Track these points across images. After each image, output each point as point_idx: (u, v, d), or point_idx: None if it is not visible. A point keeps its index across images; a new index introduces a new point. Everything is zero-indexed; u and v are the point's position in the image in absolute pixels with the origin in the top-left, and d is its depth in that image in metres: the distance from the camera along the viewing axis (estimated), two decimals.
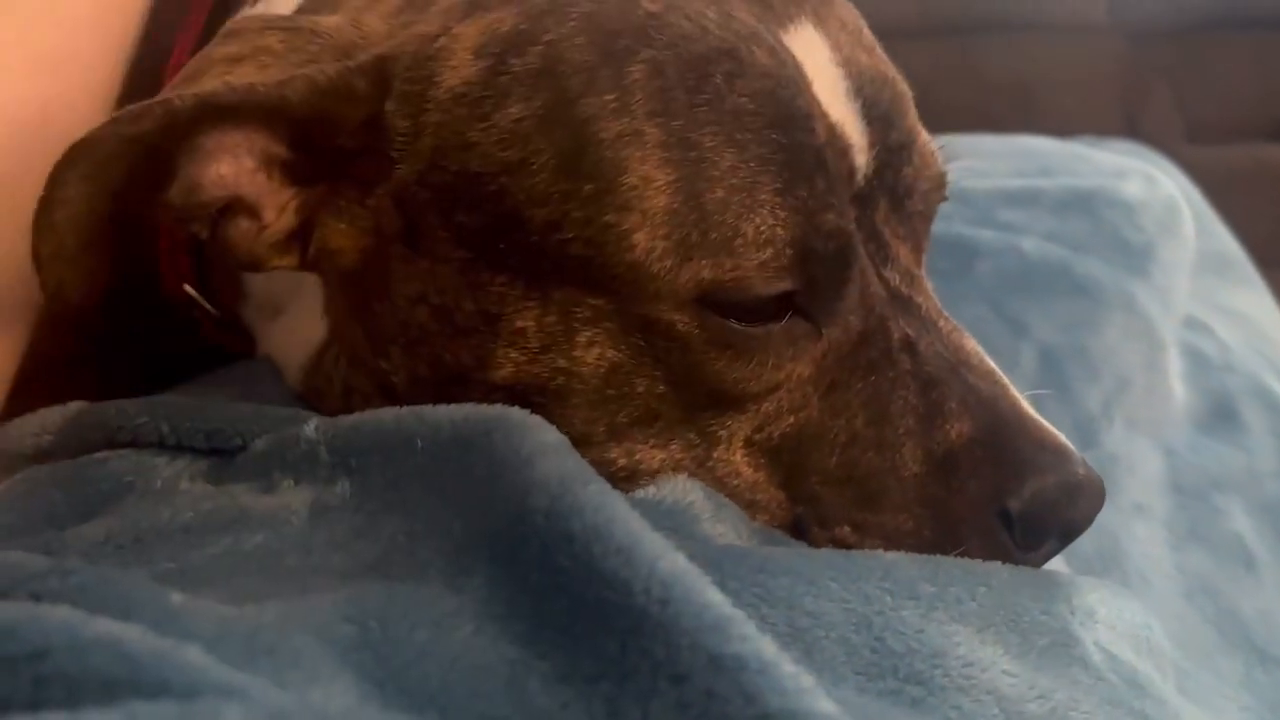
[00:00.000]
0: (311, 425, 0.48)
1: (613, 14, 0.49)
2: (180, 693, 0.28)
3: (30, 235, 0.52)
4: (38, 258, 0.48)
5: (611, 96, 0.48)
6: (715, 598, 0.35)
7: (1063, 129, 1.27)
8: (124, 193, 0.48)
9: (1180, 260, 0.88)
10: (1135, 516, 0.72)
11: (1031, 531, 0.49)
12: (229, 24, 0.53)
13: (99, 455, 0.52)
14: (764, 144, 0.48)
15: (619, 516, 0.38)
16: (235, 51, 0.49)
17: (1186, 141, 2.18)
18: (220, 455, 0.51)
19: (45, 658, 0.28)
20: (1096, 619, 0.47)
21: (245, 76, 0.48)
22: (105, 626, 0.29)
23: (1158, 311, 0.82)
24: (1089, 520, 0.50)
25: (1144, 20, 2.30)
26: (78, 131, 0.57)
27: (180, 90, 0.48)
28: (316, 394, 0.57)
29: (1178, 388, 0.83)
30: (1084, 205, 0.86)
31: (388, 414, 0.47)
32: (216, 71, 0.48)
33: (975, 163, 0.92)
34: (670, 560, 0.36)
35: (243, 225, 0.51)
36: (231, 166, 0.50)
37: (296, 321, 0.59)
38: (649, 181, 0.47)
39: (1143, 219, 0.86)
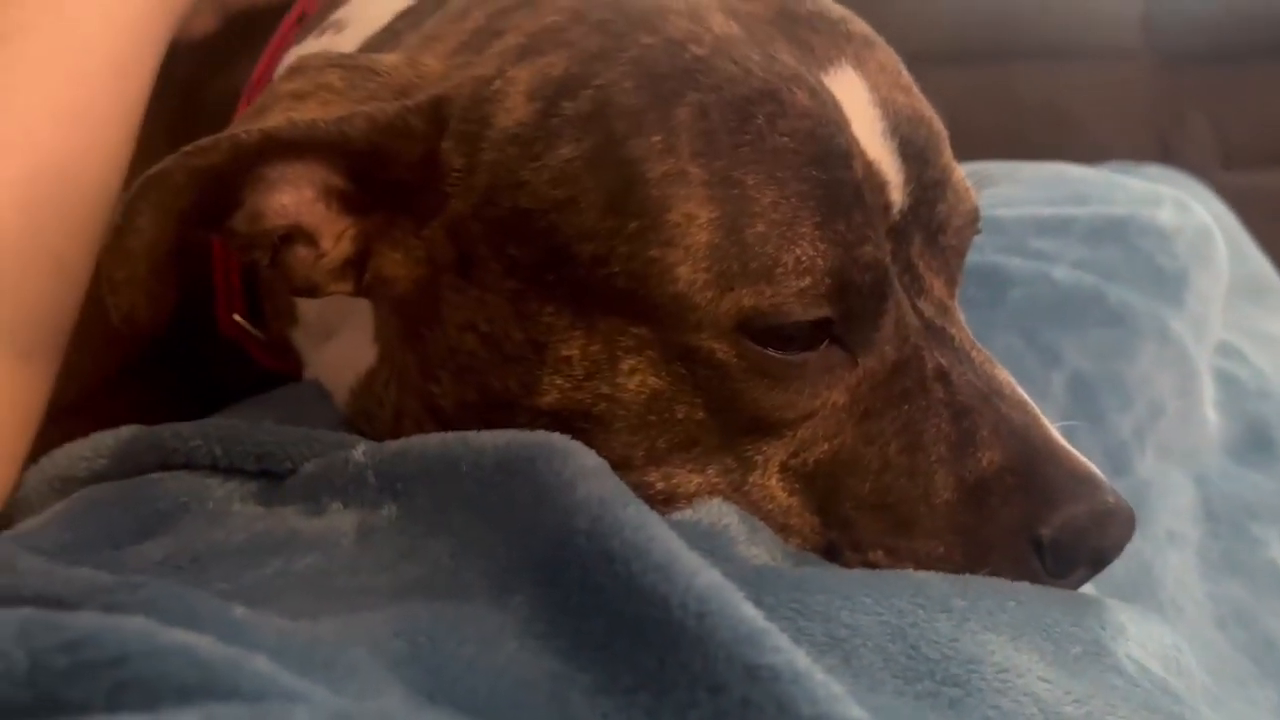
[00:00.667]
0: (359, 450, 0.50)
1: (660, 58, 0.50)
2: (250, 697, 0.29)
3: (24, 266, 0.55)
4: (112, 284, 0.50)
5: (658, 138, 0.49)
6: (750, 612, 0.36)
7: (1097, 153, 1.26)
8: (189, 221, 0.50)
9: (1214, 287, 0.87)
10: (1168, 544, 0.72)
11: (1062, 559, 0.49)
12: (294, 60, 0.55)
13: (154, 476, 0.53)
14: (804, 180, 0.49)
15: (657, 535, 0.39)
16: (298, 88, 0.51)
17: (1221, 166, 2.15)
18: (270, 477, 0.52)
19: (123, 664, 0.29)
20: (1127, 635, 0.47)
21: (308, 112, 0.50)
22: (179, 635, 0.30)
23: (1191, 339, 0.82)
24: (1119, 549, 0.50)
25: (1180, 45, 2.29)
26: (95, 184, 0.58)
27: (247, 125, 0.49)
28: (365, 416, 0.59)
29: (1211, 415, 0.83)
30: (1117, 233, 0.85)
31: (433, 439, 0.49)
32: (281, 107, 0.50)
33: (1008, 190, 0.92)
34: (707, 576, 0.37)
35: (301, 252, 0.53)
36: (293, 197, 0.51)
37: (347, 346, 0.60)
38: (692, 219, 0.49)
39: (1176, 246, 0.85)
